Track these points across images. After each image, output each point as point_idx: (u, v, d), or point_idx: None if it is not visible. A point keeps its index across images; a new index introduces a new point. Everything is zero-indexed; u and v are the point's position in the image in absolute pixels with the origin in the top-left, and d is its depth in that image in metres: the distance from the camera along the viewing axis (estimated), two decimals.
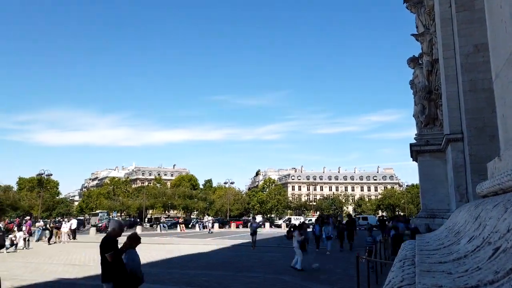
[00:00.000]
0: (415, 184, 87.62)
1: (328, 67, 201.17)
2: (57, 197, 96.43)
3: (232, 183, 78.76)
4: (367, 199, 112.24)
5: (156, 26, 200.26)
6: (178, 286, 10.95)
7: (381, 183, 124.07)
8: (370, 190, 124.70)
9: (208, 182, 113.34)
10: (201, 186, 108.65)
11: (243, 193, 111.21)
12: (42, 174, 63.17)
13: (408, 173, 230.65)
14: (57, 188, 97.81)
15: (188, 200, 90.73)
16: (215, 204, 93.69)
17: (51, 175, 65.84)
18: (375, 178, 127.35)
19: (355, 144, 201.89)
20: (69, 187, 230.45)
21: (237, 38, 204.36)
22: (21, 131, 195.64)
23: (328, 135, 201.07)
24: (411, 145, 17.76)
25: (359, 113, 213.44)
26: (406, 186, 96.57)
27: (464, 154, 12.69)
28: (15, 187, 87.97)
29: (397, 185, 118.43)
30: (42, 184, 78.79)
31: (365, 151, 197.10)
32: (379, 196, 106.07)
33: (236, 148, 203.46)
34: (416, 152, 17.45)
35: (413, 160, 18.91)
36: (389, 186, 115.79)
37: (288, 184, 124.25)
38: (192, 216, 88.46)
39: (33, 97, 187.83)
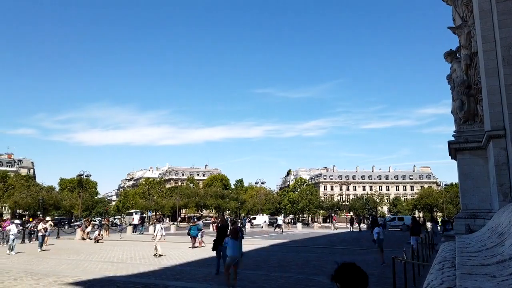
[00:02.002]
0: (454, 183, 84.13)
1: (383, 54, 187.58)
2: (95, 197, 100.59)
3: (263, 183, 78.92)
4: (403, 199, 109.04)
5: (195, 17, 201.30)
6: (211, 285, 11.10)
7: (418, 182, 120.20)
8: (406, 190, 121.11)
9: (240, 182, 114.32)
10: (232, 186, 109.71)
11: (274, 192, 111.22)
12: (82, 175, 66.09)
13: (446, 172, 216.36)
14: (96, 188, 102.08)
15: (220, 200, 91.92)
16: (246, 204, 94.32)
17: (90, 176, 68.81)
18: (411, 177, 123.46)
19: (406, 140, 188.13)
20: (107, 187, 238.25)
21: (283, 26, 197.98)
22: (63, 131, 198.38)
23: (377, 130, 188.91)
24: (449, 143, 17.07)
25: (415, 105, 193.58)
26: (445, 185, 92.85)
27: (507, 151, 12.05)
28: (57, 188, 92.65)
29: (435, 184, 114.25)
30: (82, 185, 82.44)
31: (416, 147, 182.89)
32: (416, 196, 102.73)
33: (269, 148, 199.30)
34: (454, 150, 16.75)
35: (451, 158, 18.17)
36: (426, 186, 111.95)
37: (320, 184, 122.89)
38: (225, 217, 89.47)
39: (73, 95, 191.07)
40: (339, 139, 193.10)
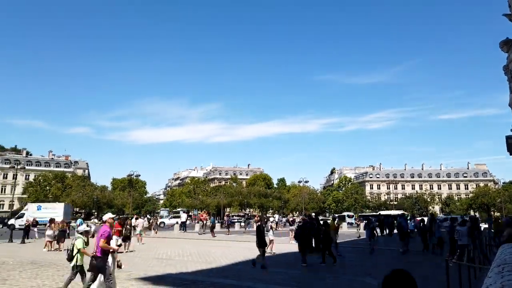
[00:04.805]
0: None
1: (469, 29, 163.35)
2: (145, 196, 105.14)
3: (306, 182, 78.21)
4: (456, 198, 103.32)
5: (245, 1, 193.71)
6: (255, 283, 11.14)
7: (473, 181, 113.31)
8: (459, 188, 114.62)
9: (282, 181, 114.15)
10: (274, 185, 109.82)
11: (317, 192, 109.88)
12: (132, 175, 69.30)
13: (504, 169, 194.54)
14: (145, 188, 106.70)
15: (263, 199, 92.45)
16: (290, 203, 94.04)
17: (139, 176, 71.98)
18: (465, 175, 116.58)
19: (485, 131, 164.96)
20: (155, 186, 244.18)
21: (352, 2, 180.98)
22: (116, 129, 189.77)
23: (452, 121, 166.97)
24: (508, 138, 15.91)
25: (501, 89, 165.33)
26: (503, 183, 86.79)
27: None
28: (109, 187, 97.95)
29: (492, 183, 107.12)
30: (132, 185, 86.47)
31: (496, 140, 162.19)
32: (470, 195, 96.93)
33: (316, 146, 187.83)
34: None
35: (510, 154, 16.94)
36: (481, 184, 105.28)
37: (366, 183, 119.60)
38: (268, 215, 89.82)
39: (123, 90, 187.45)
40: (407, 132, 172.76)
